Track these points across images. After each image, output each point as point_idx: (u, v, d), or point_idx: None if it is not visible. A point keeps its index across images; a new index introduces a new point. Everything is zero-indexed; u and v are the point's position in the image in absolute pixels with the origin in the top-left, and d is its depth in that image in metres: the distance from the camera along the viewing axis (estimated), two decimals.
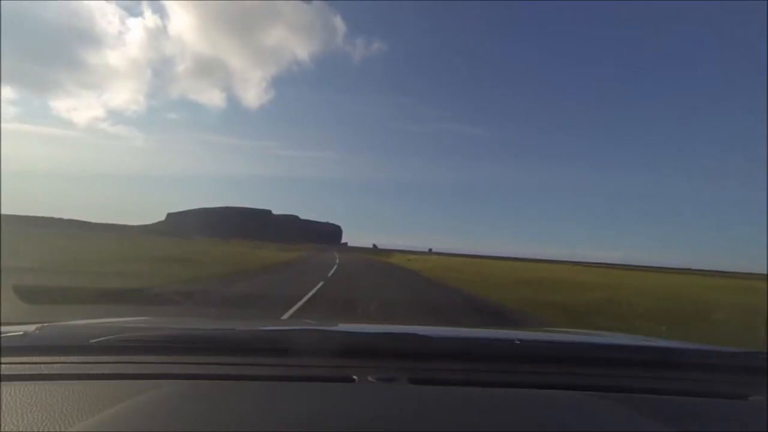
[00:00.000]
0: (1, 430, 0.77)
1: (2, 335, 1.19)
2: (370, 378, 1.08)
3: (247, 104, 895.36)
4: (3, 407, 0.84)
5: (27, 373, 1.05)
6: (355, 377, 1.08)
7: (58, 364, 1.10)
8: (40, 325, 1.26)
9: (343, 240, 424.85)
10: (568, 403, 1.01)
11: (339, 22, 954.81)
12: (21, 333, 1.22)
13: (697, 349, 1.55)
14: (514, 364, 1.27)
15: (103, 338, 1.20)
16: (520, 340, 1.42)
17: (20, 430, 0.77)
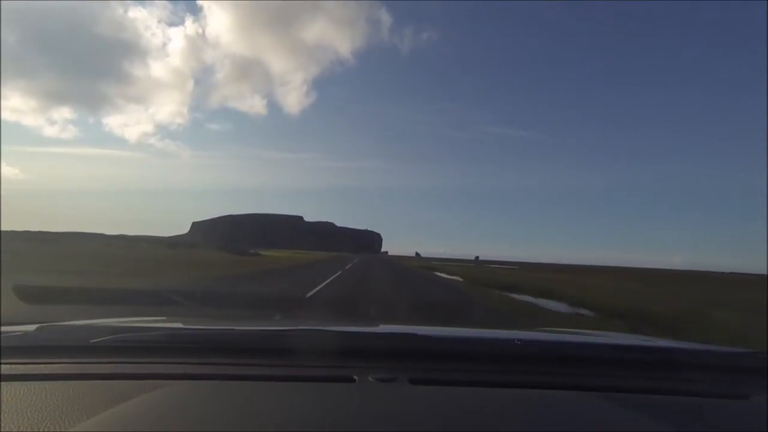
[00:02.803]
0: (1, 430, 0.76)
1: (2, 335, 1.19)
2: (370, 378, 1.08)
3: (288, 110, 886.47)
4: (3, 407, 0.84)
5: (27, 373, 1.05)
6: (355, 377, 1.08)
7: (58, 364, 1.10)
8: (40, 325, 1.25)
9: (384, 248, 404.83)
10: (568, 403, 1.01)
11: (384, 15, 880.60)
12: (21, 333, 1.23)
13: (697, 349, 1.55)
14: (514, 364, 1.26)
15: (103, 338, 1.20)
16: (520, 340, 1.40)
17: (20, 430, 0.77)
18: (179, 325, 1.62)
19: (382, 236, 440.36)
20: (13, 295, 6.67)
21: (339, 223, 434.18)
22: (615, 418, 0.94)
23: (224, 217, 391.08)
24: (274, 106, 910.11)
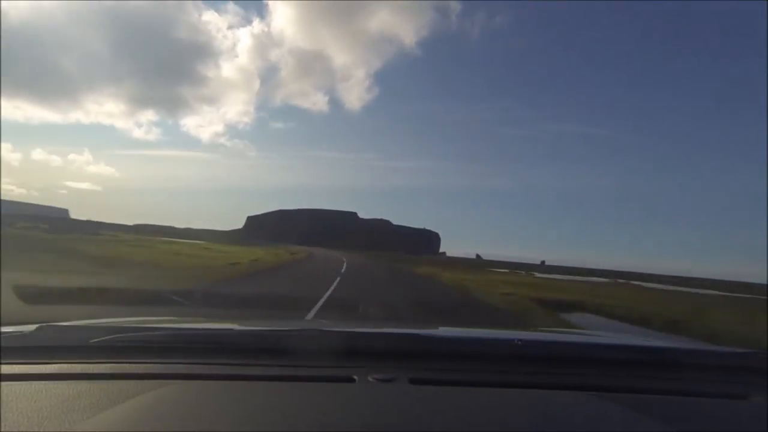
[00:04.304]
0: (1, 430, 0.77)
1: (2, 335, 1.19)
2: (370, 378, 1.08)
3: (348, 107, 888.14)
4: (3, 407, 0.84)
5: (27, 373, 1.05)
6: (355, 377, 1.09)
7: (58, 364, 1.11)
8: (40, 325, 1.25)
9: (442, 249, 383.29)
10: (568, 403, 1.01)
11: (453, 2, 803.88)
12: (21, 333, 1.23)
13: (697, 349, 1.55)
14: (514, 364, 1.27)
15: (103, 338, 1.21)
16: (520, 340, 1.40)
17: (20, 430, 0.77)
18: (179, 325, 1.60)
19: (441, 236, 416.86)
20: (13, 295, 6.76)
21: (395, 222, 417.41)
22: (615, 418, 0.95)
23: (276, 211, 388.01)
24: (335, 103, 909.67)
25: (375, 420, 0.85)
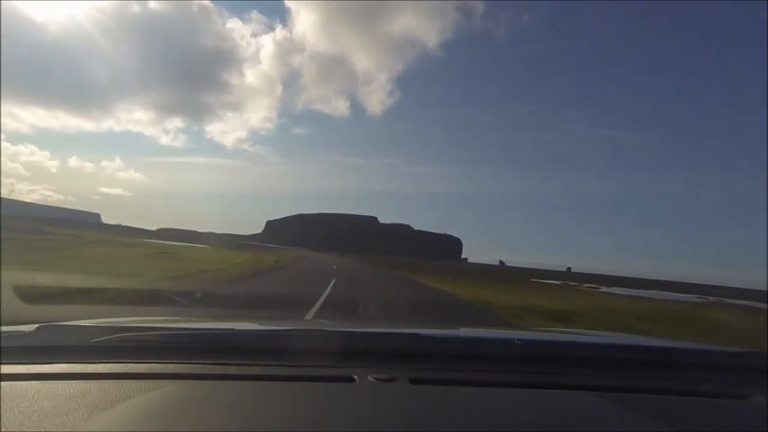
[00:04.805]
0: (1, 430, 0.77)
1: (2, 335, 1.19)
2: (370, 378, 1.08)
3: (370, 111, 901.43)
4: (3, 407, 0.84)
5: (27, 372, 1.05)
6: (355, 377, 1.09)
7: (58, 364, 1.11)
8: (40, 325, 1.25)
9: (464, 255, 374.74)
10: (568, 403, 1.02)
11: (476, 3, 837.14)
12: (21, 333, 1.23)
13: (697, 349, 1.55)
14: (514, 364, 1.27)
15: (103, 338, 1.21)
16: (520, 340, 1.40)
17: (20, 430, 0.77)
18: (179, 325, 1.58)
19: (462, 242, 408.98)
20: (13, 295, 6.79)
21: (416, 227, 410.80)
22: (615, 418, 0.95)
23: (295, 216, 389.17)
24: (356, 108, 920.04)
25: (375, 420, 0.85)
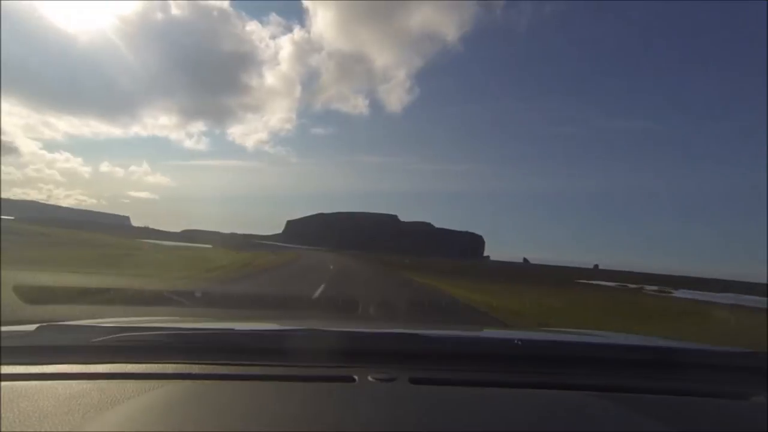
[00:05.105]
0: (1, 430, 0.77)
1: (2, 335, 1.19)
2: (370, 378, 1.09)
3: (389, 109, 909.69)
4: (3, 407, 0.84)
5: (27, 372, 1.05)
6: (355, 377, 1.09)
7: (58, 364, 1.11)
8: (40, 325, 1.25)
9: (486, 253, 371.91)
10: (568, 403, 1.02)
11: None
12: (21, 333, 1.24)
13: (697, 349, 1.55)
14: (514, 364, 1.27)
15: (103, 338, 1.21)
16: (520, 340, 1.41)
17: (20, 430, 0.77)
18: (179, 325, 1.58)
19: (485, 239, 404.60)
20: (13, 295, 6.82)
21: (437, 224, 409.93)
22: (615, 418, 0.95)
23: (315, 215, 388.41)
24: (375, 106, 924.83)
25: (375, 420, 0.85)
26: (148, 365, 1.13)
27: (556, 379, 1.18)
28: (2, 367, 1.06)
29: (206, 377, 1.07)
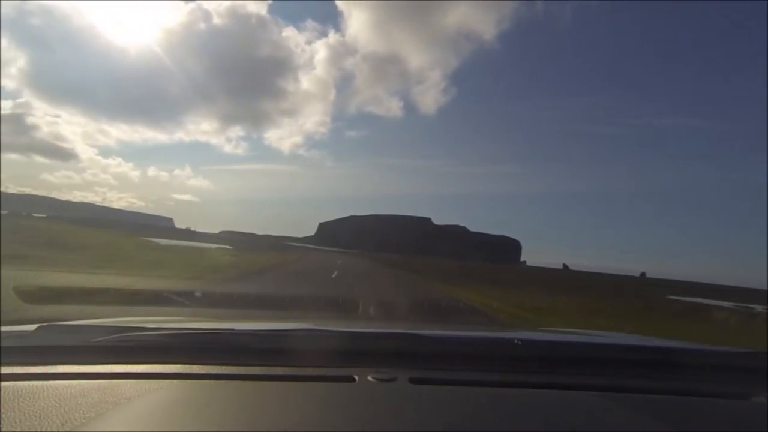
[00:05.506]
0: (1, 430, 0.77)
1: (2, 335, 1.19)
2: (370, 378, 1.09)
3: (423, 110, 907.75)
4: (3, 407, 0.84)
5: (27, 372, 1.06)
6: (355, 377, 1.09)
7: (58, 364, 1.11)
8: (40, 325, 1.25)
9: (522, 257, 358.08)
10: (568, 403, 1.02)
11: None
12: (21, 333, 1.24)
13: (697, 349, 1.56)
14: (514, 364, 1.28)
15: (103, 338, 1.21)
16: (520, 340, 1.41)
17: (20, 430, 0.77)
18: (179, 325, 1.57)
19: (521, 244, 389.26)
20: (13, 295, 6.83)
21: (472, 228, 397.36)
22: (615, 418, 0.96)
23: (347, 218, 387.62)
24: (409, 108, 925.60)
25: (375, 420, 0.85)
26: (148, 365, 1.12)
27: (556, 379, 1.17)
28: (2, 367, 1.06)
29: (206, 377, 1.07)
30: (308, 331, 1.43)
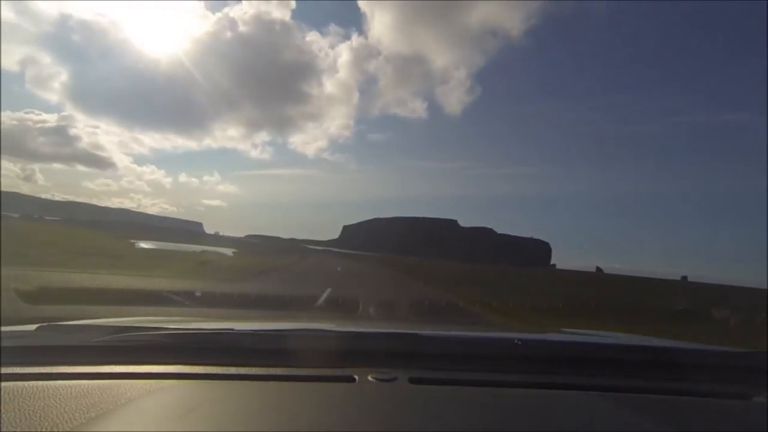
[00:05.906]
0: (1, 430, 0.77)
1: (2, 335, 1.20)
2: (370, 378, 1.09)
3: (448, 111, 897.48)
4: (3, 407, 0.84)
5: (27, 372, 1.06)
6: (355, 377, 1.09)
7: (58, 365, 1.11)
8: (40, 325, 1.25)
9: (552, 260, 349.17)
10: (568, 403, 1.02)
11: None
12: (21, 333, 1.25)
13: (697, 349, 1.56)
14: (514, 364, 1.28)
15: (103, 338, 1.21)
16: (520, 340, 1.41)
17: (20, 430, 0.77)
18: (179, 325, 1.57)
19: (551, 246, 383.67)
20: (13, 295, 6.82)
21: (499, 230, 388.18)
22: (615, 418, 0.96)
23: (371, 220, 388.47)
24: (433, 109, 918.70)
25: (375, 420, 0.86)
26: (148, 365, 1.13)
27: (556, 379, 1.17)
28: (2, 367, 1.06)
29: (206, 377, 1.07)
30: (308, 331, 1.42)
